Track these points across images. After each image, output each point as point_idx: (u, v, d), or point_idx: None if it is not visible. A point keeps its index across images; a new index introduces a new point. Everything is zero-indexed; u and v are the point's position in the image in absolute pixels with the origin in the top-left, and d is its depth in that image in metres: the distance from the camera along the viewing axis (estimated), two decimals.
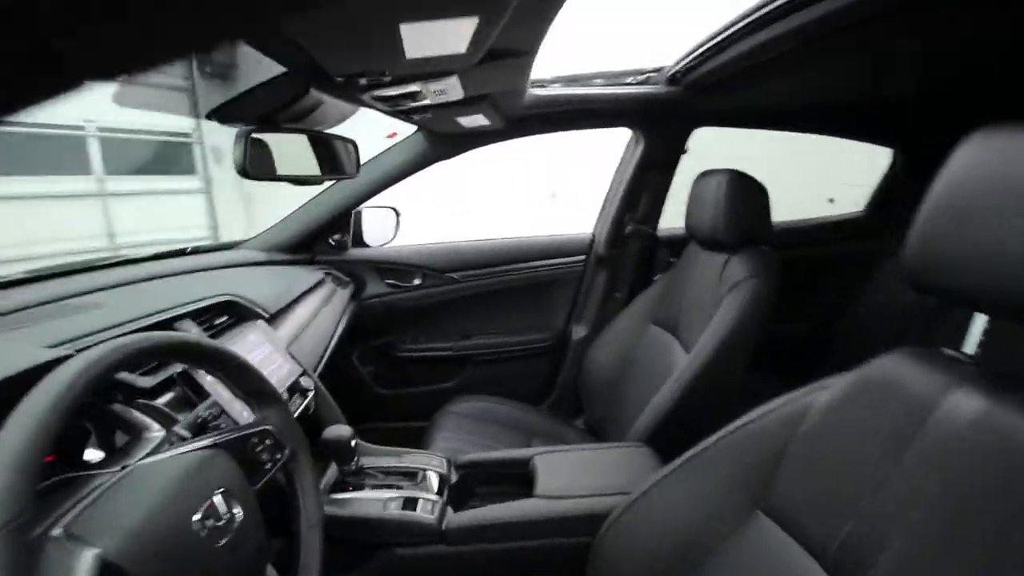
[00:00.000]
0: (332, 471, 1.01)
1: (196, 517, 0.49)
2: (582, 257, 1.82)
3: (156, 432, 0.61)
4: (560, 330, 1.84)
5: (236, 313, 1.05)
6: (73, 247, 4.28)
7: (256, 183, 1.07)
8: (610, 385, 1.50)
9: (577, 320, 1.83)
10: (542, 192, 6.50)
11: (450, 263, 1.77)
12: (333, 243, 1.68)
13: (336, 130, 1.24)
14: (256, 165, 1.00)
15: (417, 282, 1.76)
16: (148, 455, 0.56)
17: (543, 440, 1.44)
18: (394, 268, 1.75)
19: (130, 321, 0.79)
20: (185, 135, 5.76)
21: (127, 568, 0.42)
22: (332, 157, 1.24)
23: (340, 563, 0.95)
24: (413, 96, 0.91)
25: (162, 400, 0.71)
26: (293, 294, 1.28)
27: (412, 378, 1.84)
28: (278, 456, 0.67)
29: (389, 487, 0.98)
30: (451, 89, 0.90)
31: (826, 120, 1.70)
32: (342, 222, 1.67)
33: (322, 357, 1.25)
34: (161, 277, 1.11)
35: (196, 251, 1.46)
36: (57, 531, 0.42)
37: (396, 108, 1.01)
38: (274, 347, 1.04)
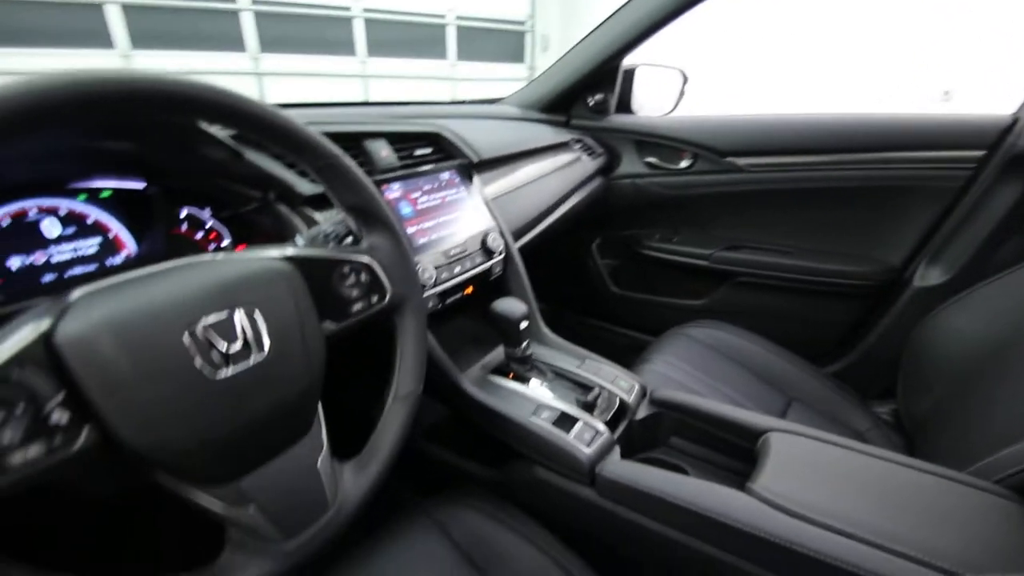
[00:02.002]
0: (499, 351, 0.85)
1: (198, 328, 0.36)
2: (975, 154, 1.08)
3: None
4: (894, 268, 1.19)
5: (441, 150, 0.92)
6: None
7: None
8: (969, 372, 0.88)
9: (931, 258, 1.14)
10: (932, 90, 4.54)
11: (736, 144, 1.28)
12: (591, 104, 1.41)
13: None
14: None
15: (684, 164, 1.36)
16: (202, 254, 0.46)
17: (807, 414, 0.97)
18: (658, 143, 1.38)
19: (320, 124, 0.73)
20: (519, 23, 6.10)
21: (71, 361, 0.31)
22: None
23: (476, 454, 0.81)
24: None
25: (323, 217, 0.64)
26: (518, 147, 1.10)
27: (654, 284, 1.52)
28: (374, 300, 0.51)
29: (555, 391, 0.76)
30: None
31: None
32: (604, 80, 1.37)
33: (535, 225, 1.07)
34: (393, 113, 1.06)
35: (453, 103, 1.41)
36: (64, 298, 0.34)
37: None
38: (468, 192, 0.89)
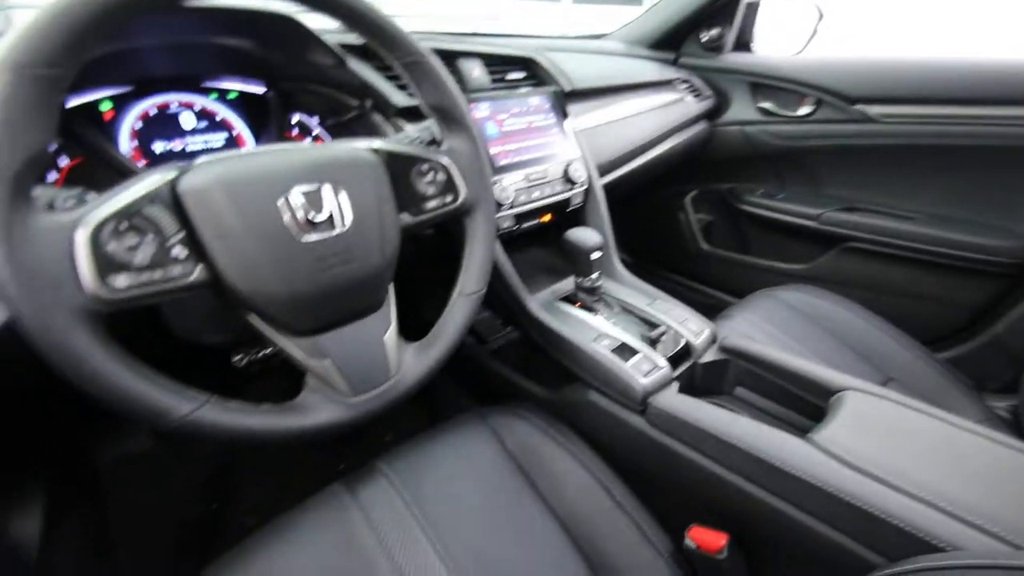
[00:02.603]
0: (569, 281, 0.85)
1: (291, 195, 0.42)
2: None
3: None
4: None
5: (535, 76, 0.91)
6: None
7: None
8: None
9: None
10: None
11: (871, 90, 1.13)
12: (704, 40, 1.30)
13: None
14: None
15: (804, 111, 1.22)
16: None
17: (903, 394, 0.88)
18: (777, 86, 1.25)
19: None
20: None
21: (190, 206, 0.38)
22: None
23: (534, 374, 0.84)
24: None
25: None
26: (615, 80, 1.05)
27: (750, 243, 1.42)
28: (448, 199, 0.54)
29: (617, 325, 0.76)
30: None
31: None
32: (723, 13, 1.25)
33: (624, 163, 1.03)
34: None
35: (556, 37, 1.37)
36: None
37: None
38: (556, 120, 0.88)
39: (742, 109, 1.31)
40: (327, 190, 0.44)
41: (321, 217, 0.43)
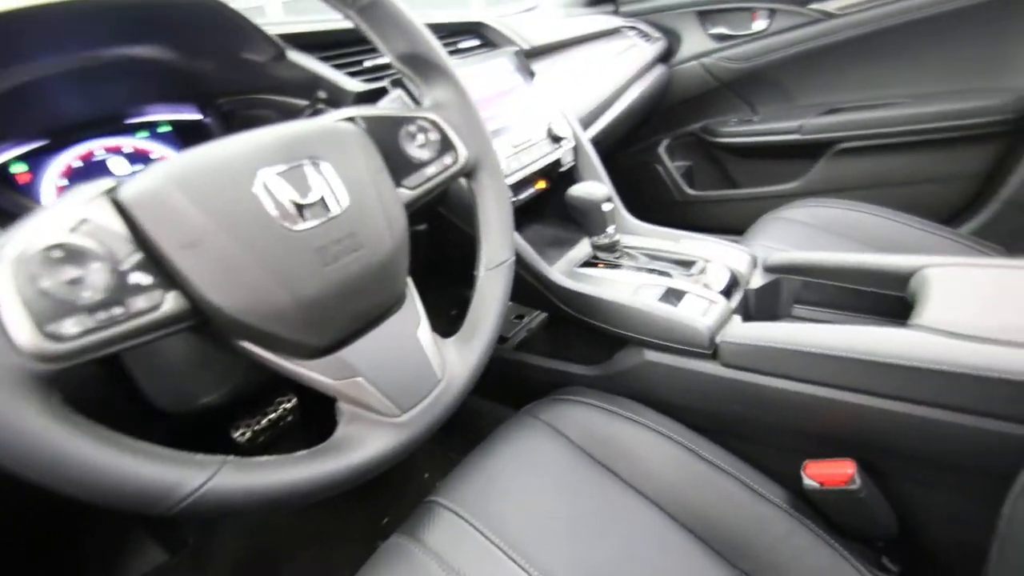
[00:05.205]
0: (586, 244, 0.78)
1: (266, 178, 0.33)
2: None
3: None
4: None
5: (489, 42, 0.84)
6: None
7: None
8: None
9: None
10: None
11: None
12: None
13: None
14: None
15: (760, 26, 1.19)
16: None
17: None
18: (723, 8, 1.21)
19: None
20: None
21: (141, 218, 0.29)
22: None
23: (574, 355, 0.76)
24: None
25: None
26: (569, 34, 0.99)
27: (736, 177, 1.37)
28: (448, 161, 0.46)
29: (652, 272, 0.69)
30: None
31: None
32: None
33: (599, 115, 0.97)
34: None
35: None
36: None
37: None
38: (526, 81, 0.81)
39: (695, 42, 1.27)
40: (309, 168, 0.35)
41: (311, 198, 0.34)
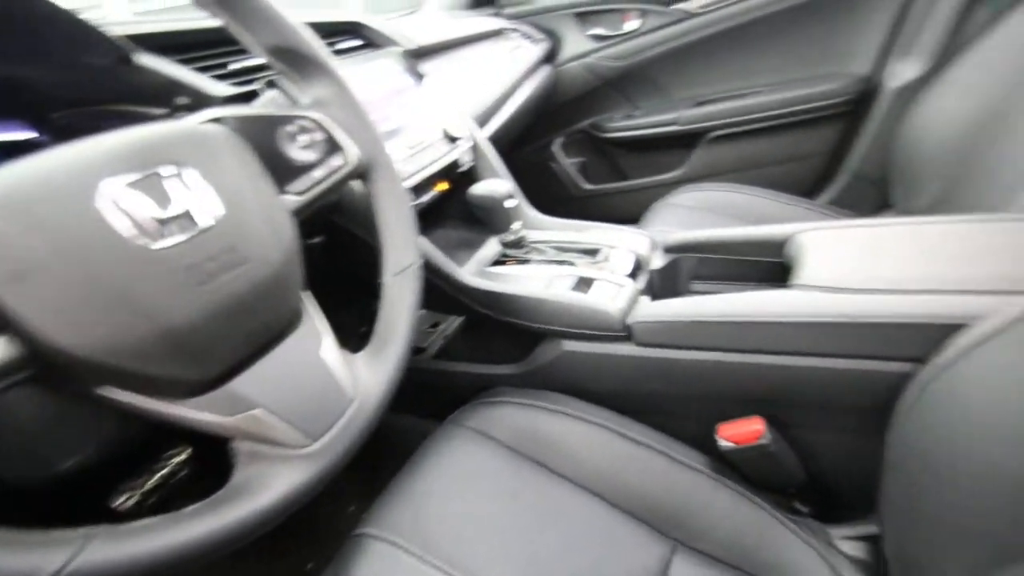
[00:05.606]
0: (494, 243, 0.77)
1: (113, 190, 0.28)
2: None
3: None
4: (863, 77, 1.15)
5: (370, 42, 0.81)
6: None
7: None
8: (960, 152, 0.84)
9: (901, 54, 1.10)
10: None
11: None
12: None
13: None
14: None
15: (632, 26, 1.26)
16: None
17: None
18: (598, 10, 1.28)
19: None
20: None
21: None
22: None
23: (493, 356, 0.75)
24: None
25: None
26: (450, 34, 0.99)
27: (625, 169, 1.45)
28: (336, 163, 0.42)
29: (561, 263, 0.70)
30: None
31: None
32: None
33: (492, 115, 0.97)
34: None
35: None
36: None
37: None
38: (415, 81, 0.79)
39: (575, 43, 1.32)
40: (169, 176, 0.30)
41: (174, 211, 0.30)
